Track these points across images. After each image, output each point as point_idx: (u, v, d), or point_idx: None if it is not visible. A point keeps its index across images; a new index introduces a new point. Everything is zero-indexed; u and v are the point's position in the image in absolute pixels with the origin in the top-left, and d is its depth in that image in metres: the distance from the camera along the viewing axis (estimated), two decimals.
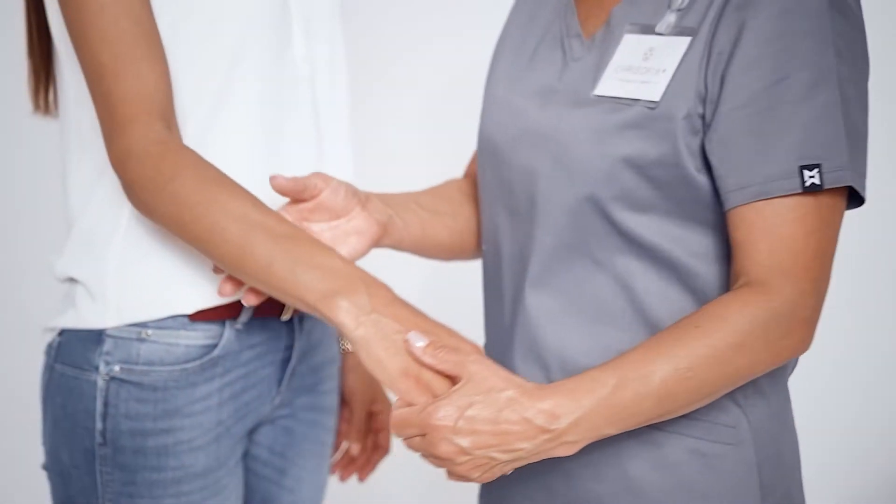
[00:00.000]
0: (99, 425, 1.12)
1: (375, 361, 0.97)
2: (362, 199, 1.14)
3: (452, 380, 0.96)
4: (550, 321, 1.06)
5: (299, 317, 1.24)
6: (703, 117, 0.97)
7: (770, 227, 0.94)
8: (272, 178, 1.07)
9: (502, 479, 1.03)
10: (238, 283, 1.07)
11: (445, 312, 2.35)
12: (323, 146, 1.22)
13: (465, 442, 0.91)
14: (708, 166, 0.98)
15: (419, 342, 0.97)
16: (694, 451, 1.02)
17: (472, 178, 1.28)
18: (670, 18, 1.01)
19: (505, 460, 0.93)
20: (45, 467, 1.19)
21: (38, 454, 1.20)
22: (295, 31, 1.19)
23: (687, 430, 1.01)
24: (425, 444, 0.93)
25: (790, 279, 0.93)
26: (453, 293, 2.23)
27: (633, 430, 0.99)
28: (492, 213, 1.15)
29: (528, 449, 0.92)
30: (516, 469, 0.98)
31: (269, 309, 1.18)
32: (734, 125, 0.95)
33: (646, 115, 0.98)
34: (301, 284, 0.98)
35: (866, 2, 1.02)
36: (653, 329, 1.02)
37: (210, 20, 1.09)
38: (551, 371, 1.06)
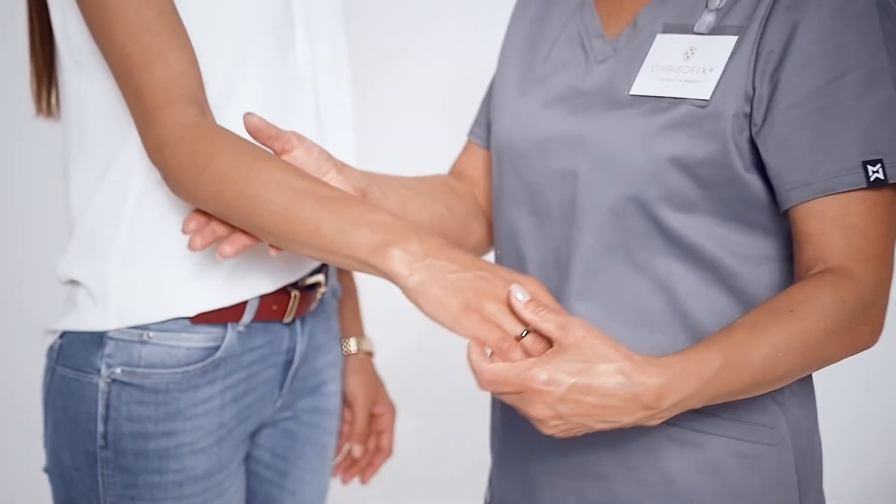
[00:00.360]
0: (100, 428, 1.11)
1: (434, 302, 0.91)
2: (338, 165, 1.10)
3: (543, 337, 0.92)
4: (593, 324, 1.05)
5: (301, 319, 1.23)
6: (749, 116, 0.98)
7: (841, 217, 0.94)
8: (246, 115, 1.03)
9: (527, 488, 1.03)
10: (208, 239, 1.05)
11: None
12: (326, 147, 1.22)
13: (564, 409, 0.88)
14: (757, 165, 0.99)
15: (521, 295, 0.91)
16: (736, 452, 1.02)
17: (458, 174, 1.27)
18: (709, 18, 1.01)
19: (597, 428, 0.90)
20: (47, 470, 1.18)
21: (40, 456, 1.19)
22: (297, 31, 1.18)
23: (729, 432, 1.02)
24: (520, 402, 0.89)
25: (871, 266, 0.94)
26: None
27: (674, 433, 1.01)
28: (510, 219, 1.13)
29: (625, 422, 0.89)
30: (544, 475, 1.00)
31: (271, 312, 1.18)
32: (792, 123, 0.95)
33: (694, 114, 0.98)
34: (351, 242, 0.95)
35: None
36: (693, 331, 1.02)
37: (211, 22, 1.08)
38: None
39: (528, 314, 0.90)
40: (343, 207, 0.97)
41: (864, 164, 0.93)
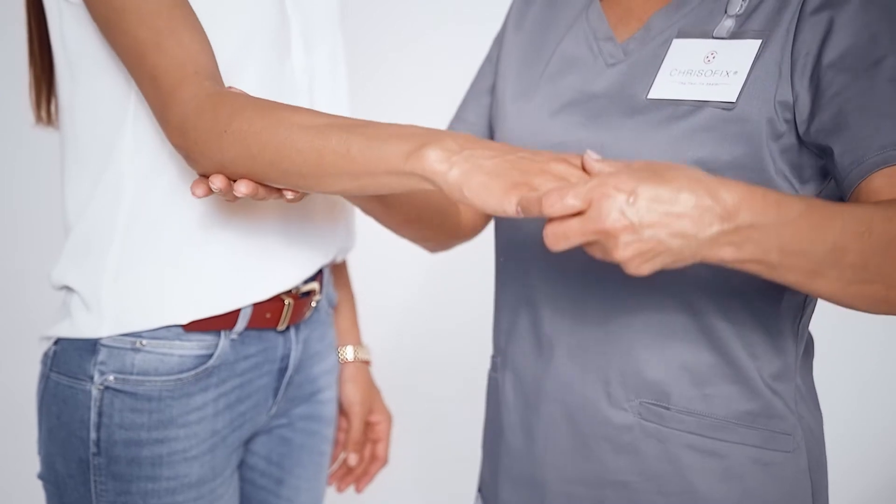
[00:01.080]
0: (93, 435, 1.12)
1: (480, 189, 0.85)
2: None
3: None
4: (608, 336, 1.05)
5: (296, 327, 1.23)
6: (793, 122, 0.98)
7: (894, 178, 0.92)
8: None
9: (538, 496, 1.04)
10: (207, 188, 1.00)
11: (444, 311, 2.36)
12: None
13: (635, 215, 0.78)
14: (784, 171, 0.99)
15: (595, 155, 0.85)
16: (756, 460, 1.03)
17: None
18: (728, 23, 1.02)
19: (674, 249, 0.80)
20: (41, 476, 1.18)
21: (35, 463, 1.20)
22: (294, 41, 1.18)
23: (748, 440, 1.03)
24: (588, 219, 0.80)
25: None
26: (452, 292, 2.24)
27: (694, 441, 1.01)
28: (518, 225, 1.13)
29: (701, 236, 0.80)
30: (560, 483, 0.98)
31: (265, 320, 1.18)
32: (838, 113, 0.95)
33: (720, 117, 0.98)
34: (385, 155, 0.90)
35: None
36: (716, 343, 1.02)
37: (207, 31, 1.08)
38: (611, 385, 1.05)
39: (600, 166, 0.84)
40: (369, 129, 0.94)
41: None
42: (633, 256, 0.80)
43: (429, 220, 1.20)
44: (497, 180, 0.84)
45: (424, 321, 2.36)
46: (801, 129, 0.98)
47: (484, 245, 1.34)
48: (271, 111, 0.97)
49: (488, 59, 1.27)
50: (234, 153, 0.97)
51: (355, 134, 0.93)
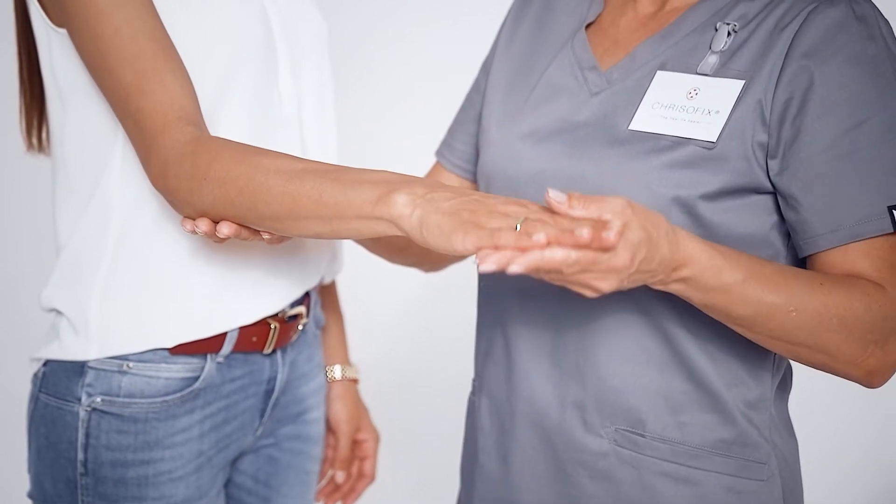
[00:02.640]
0: (80, 455, 1.13)
1: (433, 229, 0.87)
2: None
3: None
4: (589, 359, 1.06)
5: (282, 350, 1.25)
6: (763, 166, 0.99)
7: (868, 252, 0.97)
8: None
9: None
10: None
11: (438, 322, 2.36)
12: None
13: (628, 281, 0.88)
14: (759, 205, 1.01)
15: (557, 195, 0.87)
16: (730, 489, 1.04)
17: None
18: (712, 59, 1.03)
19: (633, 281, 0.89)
20: (30, 495, 1.20)
21: (26, 481, 1.21)
22: (281, 67, 1.20)
23: (723, 469, 1.04)
24: (584, 278, 0.86)
25: None
26: (446, 304, 2.25)
27: (669, 469, 1.03)
28: None
29: (653, 270, 0.89)
30: None
31: (251, 343, 1.19)
32: (817, 170, 0.97)
33: (700, 155, 1.00)
34: (355, 201, 0.93)
35: None
36: (691, 371, 1.03)
37: (193, 60, 1.10)
38: (587, 411, 1.06)
39: (578, 209, 0.86)
40: (341, 175, 0.96)
41: (890, 208, 0.96)
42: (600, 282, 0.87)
43: (416, 249, 1.23)
44: (448, 219, 0.87)
45: (418, 333, 2.37)
46: (773, 172, 1.00)
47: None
48: (248, 157, 1.00)
49: (475, 86, 1.28)
50: (213, 198, 1.00)
51: (328, 179, 0.95)
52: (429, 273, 1.37)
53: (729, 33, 1.03)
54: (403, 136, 2.16)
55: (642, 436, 1.05)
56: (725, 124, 1.00)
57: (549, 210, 0.88)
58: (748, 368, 1.05)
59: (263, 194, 0.97)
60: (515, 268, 0.81)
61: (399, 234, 0.91)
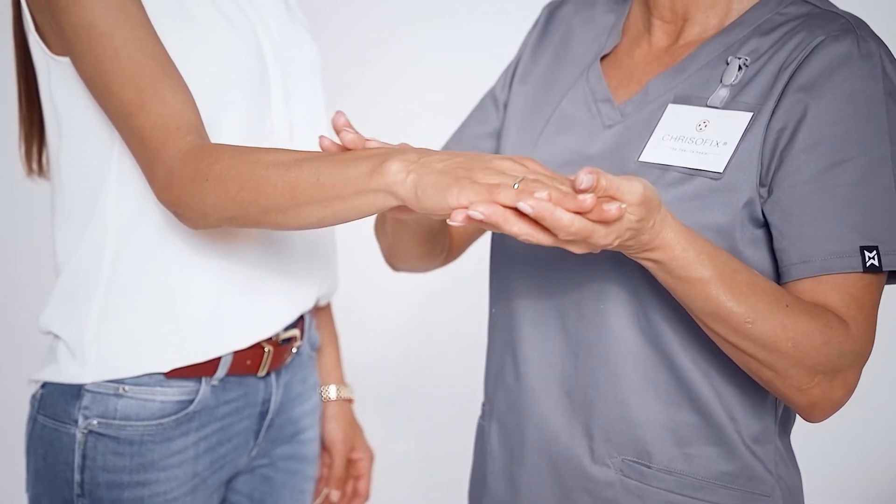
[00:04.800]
0: (77, 477, 1.15)
1: (429, 186, 0.87)
2: None
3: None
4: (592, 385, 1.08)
5: (276, 372, 1.27)
6: (759, 193, 1.01)
7: (839, 288, 0.98)
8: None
9: None
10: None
11: (446, 323, 2.37)
12: None
13: (620, 241, 0.89)
14: (753, 240, 1.02)
15: (587, 179, 0.84)
16: None
17: None
18: (723, 93, 1.04)
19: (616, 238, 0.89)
20: None
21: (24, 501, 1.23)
22: (273, 96, 1.22)
23: (728, 501, 1.05)
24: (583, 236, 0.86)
25: (863, 333, 0.98)
26: (454, 306, 2.26)
27: (674, 500, 1.04)
28: (510, 277, 1.15)
29: (634, 230, 0.89)
30: None
31: (245, 366, 1.21)
32: (797, 201, 0.99)
33: (708, 187, 1.01)
34: (351, 176, 0.93)
35: None
36: (698, 403, 1.04)
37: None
38: (595, 441, 1.08)
39: (603, 181, 0.86)
40: (337, 156, 0.97)
41: (862, 249, 0.97)
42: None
43: (433, 232, 1.21)
44: (443, 177, 0.87)
45: (420, 346, 2.38)
46: (762, 200, 1.01)
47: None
48: (247, 153, 1.02)
49: (485, 106, 1.27)
50: (215, 198, 1.01)
51: (325, 162, 0.96)
52: (446, 265, 1.35)
53: (740, 67, 1.04)
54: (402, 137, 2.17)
55: (648, 467, 1.06)
56: (732, 155, 1.01)
57: (547, 172, 0.90)
58: (753, 401, 1.06)
59: (264, 186, 0.98)
60: (514, 227, 0.83)
61: (397, 203, 0.91)
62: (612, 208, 0.84)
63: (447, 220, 0.86)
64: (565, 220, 0.83)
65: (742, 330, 0.95)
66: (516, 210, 0.83)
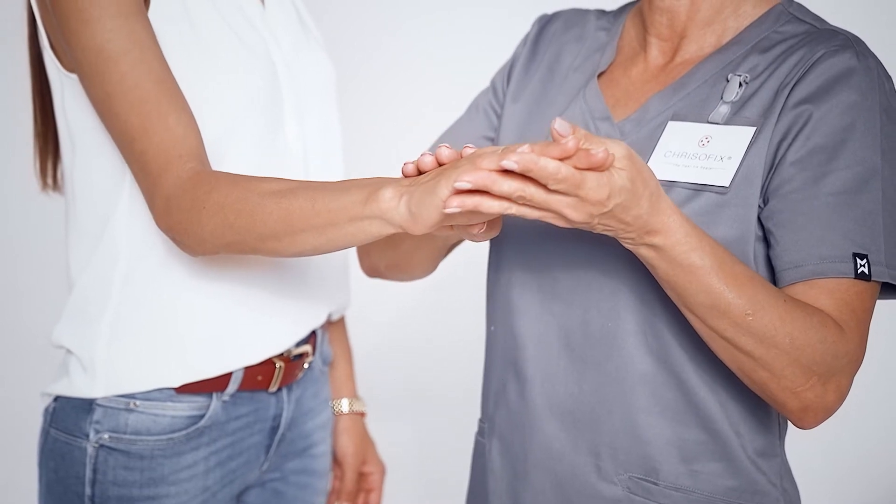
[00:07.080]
0: (88, 491, 1.16)
1: (422, 195, 0.88)
2: None
3: None
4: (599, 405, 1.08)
5: (288, 387, 1.27)
6: (759, 204, 1.01)
7: (831, 292, 0.98)
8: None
9: None
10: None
11: (443, 325, 2.37)
12: None
13: (598, 220, 0.89)
14: (760, 252, 1.02)
15: (562, 126, 0.84)
16: None
17: None
18: (723, 109, 1.04)
19: (608, 218, 0.90)
20: None
21: None
22: (286, 114, 1.22)
23: None
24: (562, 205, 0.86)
25: (855, 335, 0.98)
26: (451, 309, 2.26)
27: None
28: (510, 295, 1.15)
29: (627, 221, 0.90)
30: None
31: (256, 382, 1.22)
32: (791, 207, 0.99)
33: (715, 202, 1.01)
34: (345, 204, 0.94)
35: None
36: (705, 419, 1.04)
37: (200, 104, 1.12)
38: (602, 458, 1.08)
39: (583, 142, 0.85)
40: (333, 184, 0.98)
41: (855, 255, 0.97)
42: (579, 213, 0.87)
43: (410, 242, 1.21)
44: (431, 182, 0.88)
45: (421, 359, 2.38)
46: (760, 212, 1.01)
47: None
48: (243, 182, 1.03)
49: (479, 111, 1.26)
50: (212, 225, 1.02)
51: (320, 190, 0.97)
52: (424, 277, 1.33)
53: (741, 84, 1.05)
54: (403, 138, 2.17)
55: (656, 483, 1.06)
56: (738, 169, 1.01)
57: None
58: (758, 415, 1.06)
59: (260, 213, 0.99)
60: (504, 186, 0.82)
61: (393, 230, 0.92)
62: (598, 151, 0.83)
63: (445, 211, 0.85)
64: (551, 167, 0.82)
65: (742, 323, 0.94)
66: (504, 173, 0.83)
